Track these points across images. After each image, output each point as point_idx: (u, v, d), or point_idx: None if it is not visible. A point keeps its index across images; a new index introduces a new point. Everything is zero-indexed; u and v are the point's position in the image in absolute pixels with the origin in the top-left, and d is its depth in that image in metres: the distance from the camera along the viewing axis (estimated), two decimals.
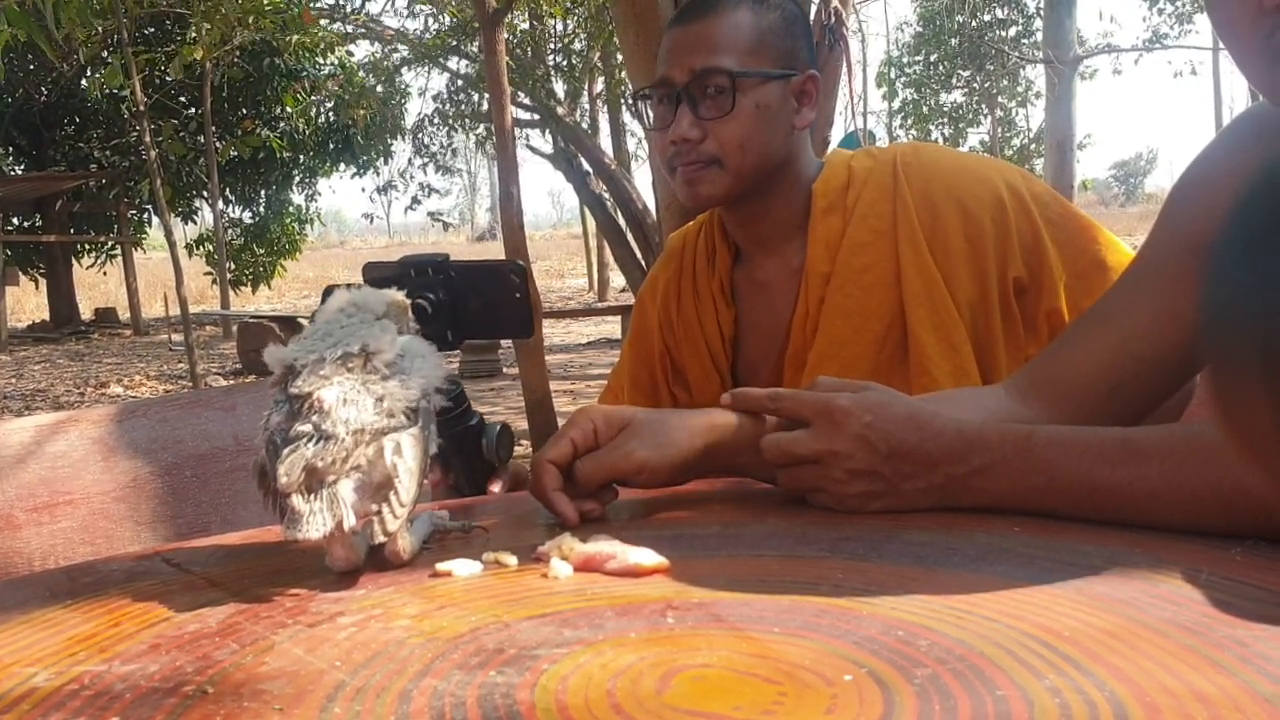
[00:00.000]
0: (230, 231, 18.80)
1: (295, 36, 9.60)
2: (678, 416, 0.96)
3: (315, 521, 0.71)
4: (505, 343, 9.01)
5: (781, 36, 1.33)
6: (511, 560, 0.78)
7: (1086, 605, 0.64)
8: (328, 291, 1.01)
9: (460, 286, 1.04)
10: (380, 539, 0.75)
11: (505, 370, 9.13)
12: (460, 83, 12.05)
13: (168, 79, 13.80)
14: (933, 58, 23.84)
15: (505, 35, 5.12)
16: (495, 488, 1.11)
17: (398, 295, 0.87)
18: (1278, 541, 0.74)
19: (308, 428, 0.73)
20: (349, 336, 0.79)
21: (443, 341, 1.03)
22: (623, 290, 15.81)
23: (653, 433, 0.93)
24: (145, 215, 19.37)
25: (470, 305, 1.05)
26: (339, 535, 0.73)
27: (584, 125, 10.94)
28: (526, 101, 9.82)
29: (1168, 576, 0.68)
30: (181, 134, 15.26)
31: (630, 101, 1.52)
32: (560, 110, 9.33)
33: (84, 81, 16.41)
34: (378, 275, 1.05)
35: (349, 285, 0.97)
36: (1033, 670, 0.55)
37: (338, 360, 0.77)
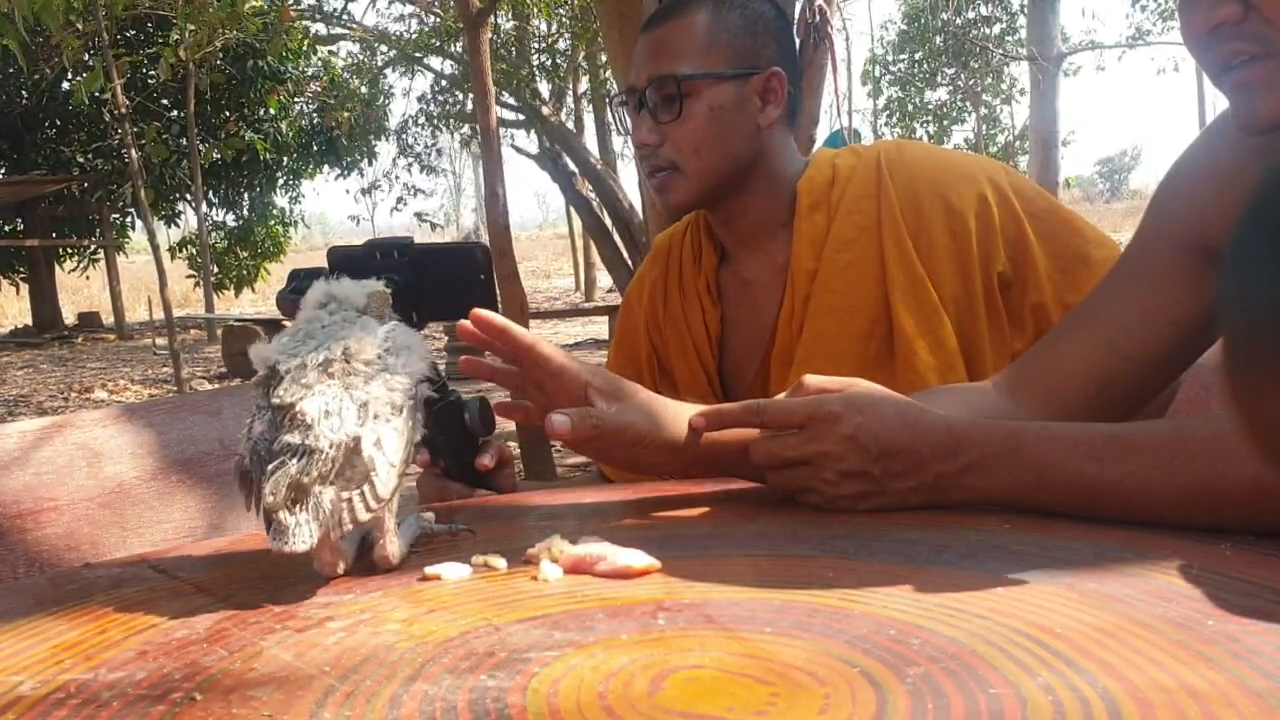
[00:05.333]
0: (214, 234, 18.72)
1: (278, 40, 9.57)
2: (678, 406, 0.97)
3: (301, 534, 0.71)
4: None
5: (739, 36, 1.33)
6: (501, 563, 0.78)
7: (1078, 602, 0.64)
8: (292, 276, 1.00)
9: (425, 268, 1.05)
10: (348, 526, 0.73)
11: None
12: (444, 83, 12.04)
13: (150, 81, 13.73)
14: (917, 55, 23.92)
15: (489, 35, 5.11)
16: (485, 460, 1.11)
17: (378, 285, 0.86)
18: (1266, 536, 0.75)
19: (291, 442, 0.72)
20: (330, 338, 0.78)
21: (408, 322, 1.04)
22: (610, 290, 15.82)
23: (652, 412, 0.95)
24: (128, 218, 19.27)
25: (435, 287, 1.05)
26: (326, 540, 0.73)
27: (569, 125, 10.93)
28: (511, 101, 9.81)
29: (1158, 572, 0.68)
30: (164, 137, 15.17)
31: (610, 106, 1.52)
32: (545, 110, 9.33)
33: (65, 84, 16.32)
34: (343, 256, 1.05)
35: (316, 271, 0.96)
36: (1025, 668, 0.54)
37: (319, 366, 0.76)
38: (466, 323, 0.96)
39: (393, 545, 0.78)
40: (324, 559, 0.75)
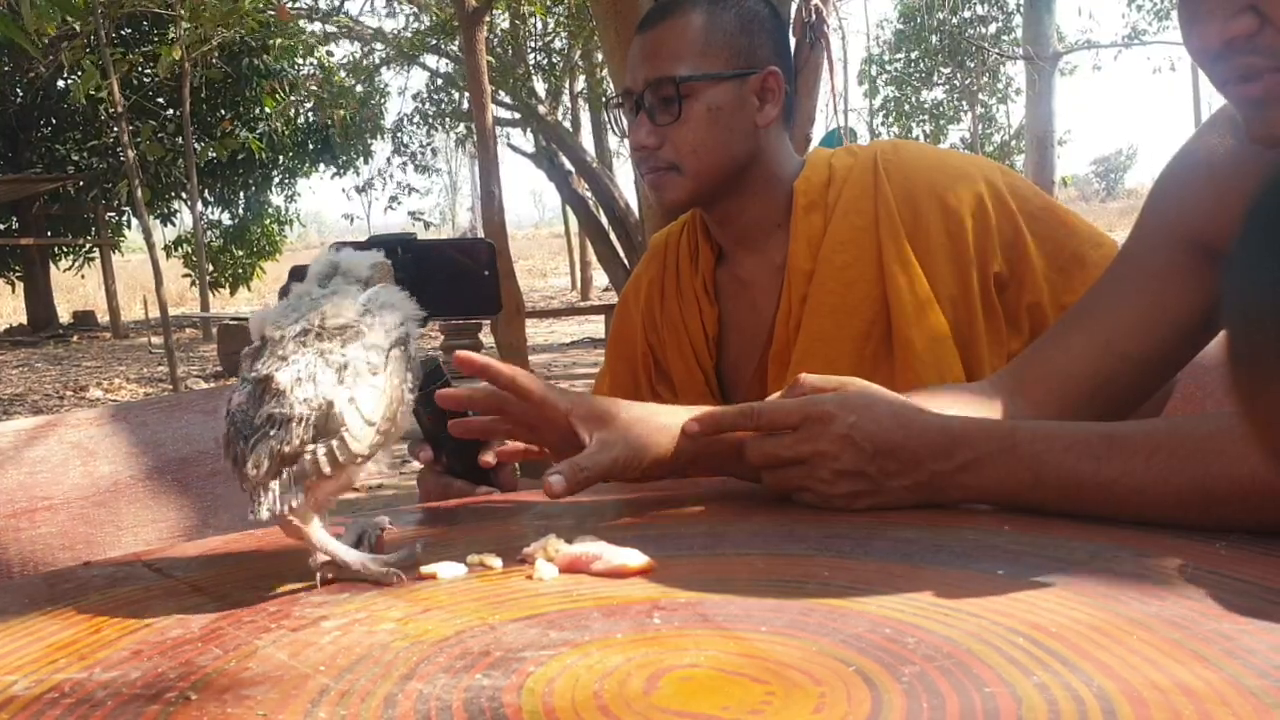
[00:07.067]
0: (209, 233, 18.72)
1: (278, 40, 9.56)
2: (664, 415, 0.96)
3: (272, 500, 0.71)
4: (489, 343, 9.01)
5: (735, 35, 1.33)
6: (496, 562, 0.78)
7: (1073, 601, 0.64)
8: (293, 273, 1.00)
9: (427, 264, 1.04)
10: (311, 478, 0.73)
11: None
12: (440, 82, 12.03)
13: (146, 80, 13.71)
14: (913, 55, 23.95)
15: (485, 34, 5.11)
16: (487, 457, 1.11)
17: (380, 256, 0.85)
18: (1262, 535, 0.75)
19: (269, 413, 0.72)
20: (313, 308, 0.77)
21: None
22: (606, 289, 15.82)
23: (635, 434, 0.94)
24: (123, 217, 19.25)
25: (438, 283, 1.05)
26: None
27: (565, 124, 10.93)
28: (507, 100, 9.81)
29: (1154, 571, 0.69)
30: (160, 135, 15.18)
31: (612, 105, 1.52)
32: (541, 109, 9.32)
33: (60, 83, 16.31)
34: None
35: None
36: (1020, 667, 0.55)
37: (296, 336, 0.75)
38: (461, 353, 0.96)
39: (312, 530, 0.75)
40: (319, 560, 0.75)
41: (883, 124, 24.74)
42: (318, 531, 0.75)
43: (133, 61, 11.84)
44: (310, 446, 0.72)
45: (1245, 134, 0.77)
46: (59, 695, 0.58)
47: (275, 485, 0.71)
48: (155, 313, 11.45)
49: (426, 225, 19.36)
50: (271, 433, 0.71)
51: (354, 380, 0.74)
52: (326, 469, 0.72)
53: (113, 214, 18.81)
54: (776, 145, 1.38)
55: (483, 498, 1.11)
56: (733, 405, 0.96)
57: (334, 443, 0.72)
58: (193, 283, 18.36)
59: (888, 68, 24.88)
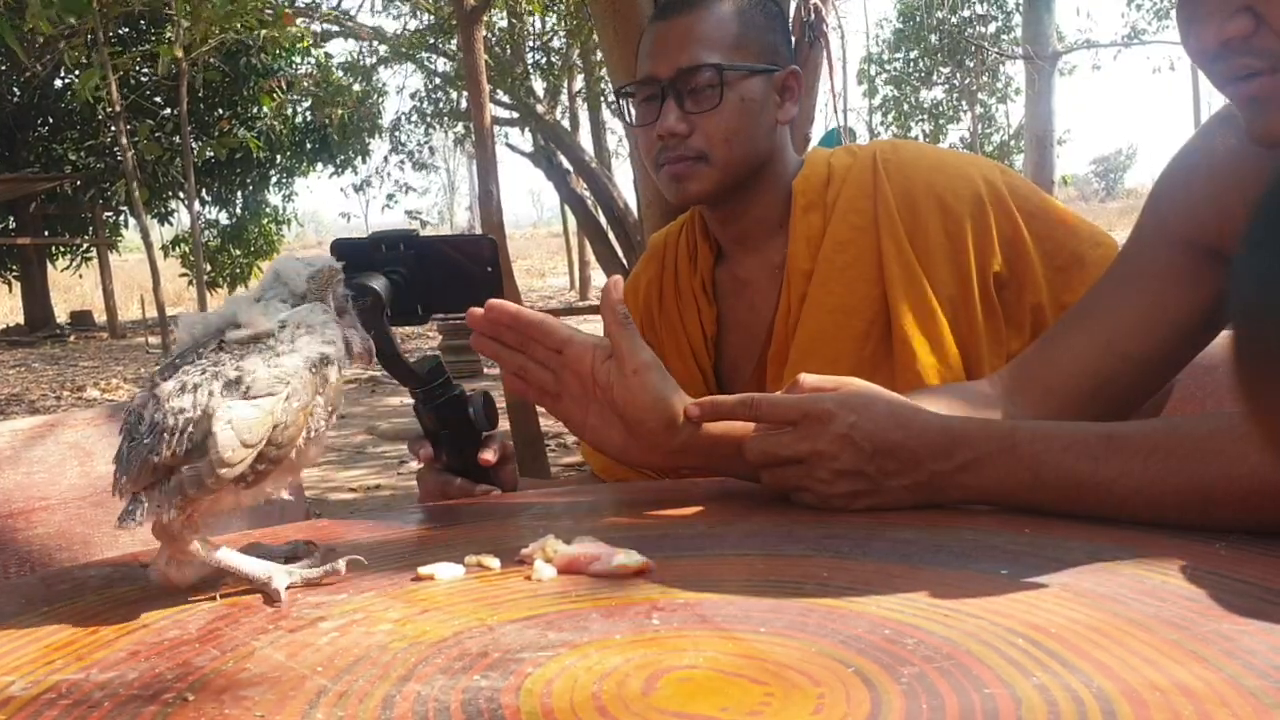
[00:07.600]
0: (207, 233, 18.71)
1: (267, 31, 9.52)
2: (676, 386, 0.99)
3: (138, 512, 0.71)
4: None
5: (763, 31, 1.34)
6: (494, 563, 0.78)
7: (1073, 601, 0.64)
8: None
9: (431, 260, 1.05)
10: (180, 497, 0.71)
11: (486, 370, 9.10)
12: (438, 81, 12.02)
13: (143, 79, 13.70)
14: (913, 54, 23.97)
15: (484, 33, 5.10)
16: (488, 455, 1.11)
17: (325, 262, 0.82)
18: (1261, 535, 0.75)
19: (149, 419, 0.71)
20: (234, 319, 0.76)
21: (413, 316, 1.04)
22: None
23: (655, 367, 0.97)
24: (121, 217, 19.24)
25: (441, 279, 1.05)
26: (166, 552, 0.73)
27: (564, 123, 10.92)
28: (506, 99, 9.80)
29: (1153, 571, 0.68)
30: (157, 135, 15.16)
31: (613, 99, 1.52)
32: (540, 108, 9.31)
33: (58, 82, 16.31)
34: (347, 250, 1.04)
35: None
36: (1020, 667, 0.54)
37: (204, 345, 0.75)
38: (478, 310, 0.98)
39: (181, 571, 0.75)
40: (161, 570, 0.75)
41: (882, 123, 24.74)
42: (220, 553, 0.74)
43: (131, 60, 11.84)
44: (186, 466, 0.71)
45: (1245, 134, 0.77)
46: (56, 696, 0.58)
47: (145, 497, 0.71)
48: (152, 312, 11.44)
49: (424, 224, 19.35)
50: (145, 442, 0.71)
51: (238, 398, 0.72)
52: (191, 490, 0.71)
53: (110, 214, 18.80)
54: (785, 144, 1.38)
55: (482, 497, 1.11)
56: (733, 395, 0.96)
57: (202, 464, 0.71)
58: (190, 282, 18.31)
59: (887, 67, 24.88)
